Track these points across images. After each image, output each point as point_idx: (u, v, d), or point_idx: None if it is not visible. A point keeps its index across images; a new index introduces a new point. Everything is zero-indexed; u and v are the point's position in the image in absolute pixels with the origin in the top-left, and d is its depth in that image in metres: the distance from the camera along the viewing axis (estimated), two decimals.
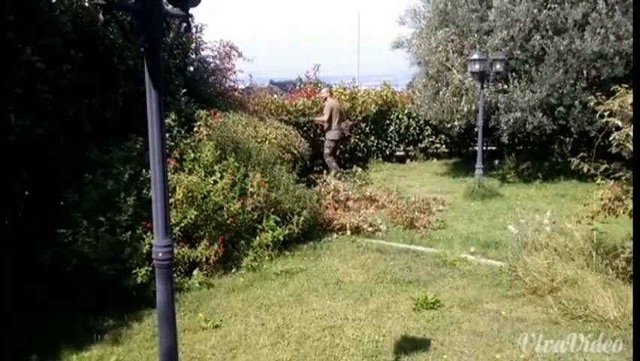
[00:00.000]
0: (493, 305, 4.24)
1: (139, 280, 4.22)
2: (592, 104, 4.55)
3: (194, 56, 7.86)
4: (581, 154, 4.57)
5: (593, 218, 4.45)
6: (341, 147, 10.88)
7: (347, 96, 11.73)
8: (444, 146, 13.00)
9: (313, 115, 10.68)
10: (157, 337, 3.77)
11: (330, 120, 9.84)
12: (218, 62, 8.52)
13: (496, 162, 10.85)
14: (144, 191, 4.77)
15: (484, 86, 8.77)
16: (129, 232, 4.44)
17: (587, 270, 4.31)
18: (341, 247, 5.79)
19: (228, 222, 5.18)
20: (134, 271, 4.26)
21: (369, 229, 6.41)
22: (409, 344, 3.57)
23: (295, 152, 8.00)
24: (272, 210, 5.65)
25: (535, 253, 4.76)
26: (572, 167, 4.62)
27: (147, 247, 4.40)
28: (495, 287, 4.63)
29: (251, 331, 3.84)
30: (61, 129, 5.03)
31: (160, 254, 2.12)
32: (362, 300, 4.39)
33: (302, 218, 5.78)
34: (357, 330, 3.81)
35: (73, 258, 4.18)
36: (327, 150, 9.91)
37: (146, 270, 4.30)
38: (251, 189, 5.54)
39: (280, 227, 5.57)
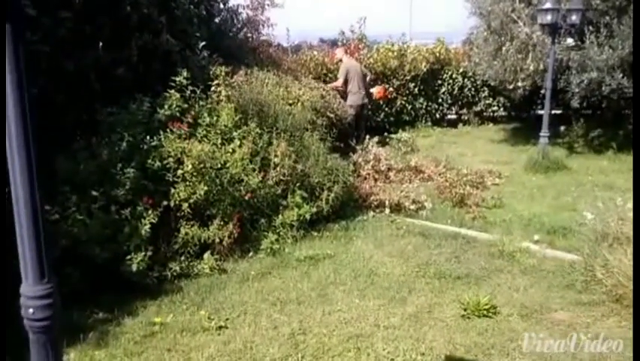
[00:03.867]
0: (564, 315, 3.38)
1: (134, 267, 3.62)
2: None
3: (222, 6, 7.04)
4: None
5: None
6: (365, 113, 9.13)
7: (395, 53, 10.63)
8: (502, 109, 11.74)
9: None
10: (147, 338, 3.20)
11: (345, 85, 8.38)
12: (250, 12, 7.64)
13: (562, 128, 9.60)
14: (149, 161, 4.15)
15: (556, 41, 7.53)
16: (128, 209, 3.82)
17: None
18: (377, 229, 5.00)
19: (247, 197, 4.49)
20: (128, 256, 3.66)
21: (412, 206, 5.57)
22: None
23: (332, 115, 7.14)
24: (298, 184, 4.91)
25: (619, 248, 3.81)
26: None
27: (147, 227, 3.78)
28: (565, 289, 3.75)
29: (260, 336, 3.17)
30: (61, 88, 4.43)
31: (31, 310, 1.31)
32: (398, 300, 3.63)
33: (333, 194, 5.01)
34: (389, 343, 3.06)
35: (62, 239, 3.60)
36: (348, 118, 8.22)
37: (144, 255, 3.68)
38: (275, 160, 4.82)
39: (307, 204, 4.83)
